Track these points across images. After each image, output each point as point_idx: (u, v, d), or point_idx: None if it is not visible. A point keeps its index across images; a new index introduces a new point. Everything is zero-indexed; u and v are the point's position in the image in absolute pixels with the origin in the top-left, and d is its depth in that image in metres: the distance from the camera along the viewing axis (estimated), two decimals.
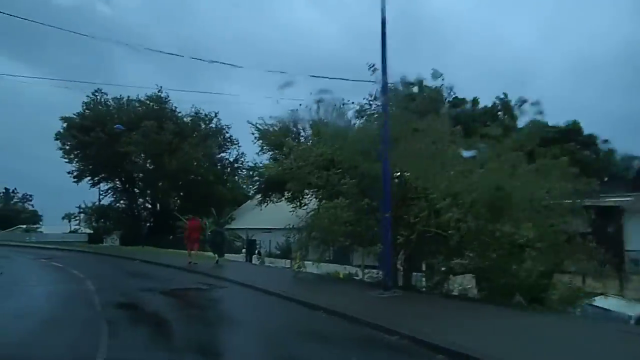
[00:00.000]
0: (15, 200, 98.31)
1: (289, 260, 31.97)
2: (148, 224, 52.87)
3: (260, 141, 36.36)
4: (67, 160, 49.10)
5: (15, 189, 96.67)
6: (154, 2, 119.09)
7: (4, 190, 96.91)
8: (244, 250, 36.94)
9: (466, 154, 13.70)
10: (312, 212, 18.45)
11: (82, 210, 68.22)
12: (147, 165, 50.39)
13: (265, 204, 40.11)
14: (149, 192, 53.15)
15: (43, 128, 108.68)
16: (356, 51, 66.62)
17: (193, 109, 50.87)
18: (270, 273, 21.99)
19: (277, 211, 41.76)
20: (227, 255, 36.63)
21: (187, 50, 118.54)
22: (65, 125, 48.90)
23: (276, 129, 35.58)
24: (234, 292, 14.70)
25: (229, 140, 51.28)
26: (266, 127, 36.35)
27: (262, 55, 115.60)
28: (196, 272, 19.70)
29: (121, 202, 54.17)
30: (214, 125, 51.33)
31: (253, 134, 36.72)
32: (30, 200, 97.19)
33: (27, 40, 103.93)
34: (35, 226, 67.22)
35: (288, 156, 31.14)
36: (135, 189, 52.11)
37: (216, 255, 22.75)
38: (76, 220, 74.23)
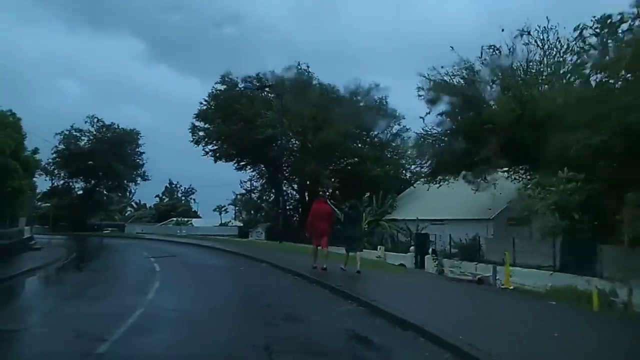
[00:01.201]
0: (178, 194, 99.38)
1: (481, 265, 21.66)
2: (295, 217, 45.87)
3: (432, 93, 26.15)
4: (204, 153, 44.17)
5: (177, 182, 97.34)
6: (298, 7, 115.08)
7: (167, 185, 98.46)
8: (411, 248, 27.29)
9: None
10: None
11: (232, 201, 64.56)
12: (293, 146, 43.28)
13: (438, 184, 30.01)
14: (295, 179, 46.10)
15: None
16: None
17: (353, 84, 42.42)
18: (477, 296, 12.08)
19: (452, 197, 31.62)
20: (389, 255, 27.47)
21: (334, 48, 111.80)
22: (199, 114, 43.86)
23: (460, 80, 25.24)
24: None
25: (389, 114, 41.86)
26: (442, 78, 26.06)
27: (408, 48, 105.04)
28: (337, 289, 10.55)
29: (264, 189, 48.18)
30: (374, 100, 42.18)
31: (420, 89, 26.65)
32: (193, 194, 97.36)
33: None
34: (185, 219, 65.00)
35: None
36: (280, 175, 45.40)
37: (352, 253, 13.52)
38: (226, 212, 70.99)
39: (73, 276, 16.78)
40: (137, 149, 56.87)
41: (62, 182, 56.59)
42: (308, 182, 43.88)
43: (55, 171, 55.31)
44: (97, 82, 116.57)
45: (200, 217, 77.37)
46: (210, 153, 43.87)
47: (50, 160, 53.98)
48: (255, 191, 51.00)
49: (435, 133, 27.37)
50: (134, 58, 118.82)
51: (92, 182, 57.78)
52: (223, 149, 43.71)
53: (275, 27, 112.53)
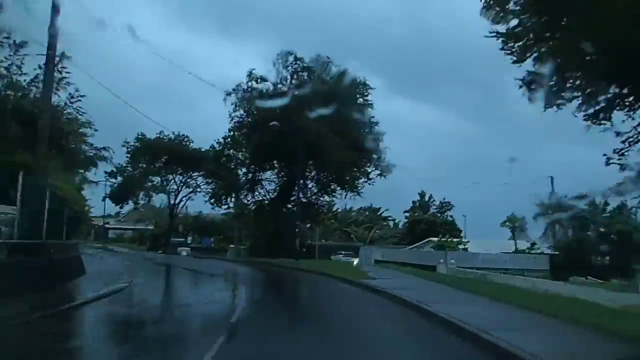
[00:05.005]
0: (432, 209, 76.89)
1: None
2: None
3: None
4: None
5: (430, 195, 75.47)
6: None
7: (418, 197, 76.83)
8: None
9: None
10: None
11: (541, 210, 34.90)
12: None
13: None
14: None
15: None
16: None
17: None
18: None
19: None
20: None
21: None
22: None
23: None
24: None
25: None
26: None
27: None
28: None
29: None
30: None
31: None
32: (449, 209, 73.89)
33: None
34: (454, 240, 37.43)
35: None
36: None
37: None
38: (522, 230, 41.15)
39: None
40: (365, 119, 32.39)
41: (245, 171, 34.79)
42: None
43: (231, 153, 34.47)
44: None
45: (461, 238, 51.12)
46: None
47: (226, 136, 33.79)
48: None
49: None
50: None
51: (289, 170, 33.24)
52: None
53: None
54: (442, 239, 35.66)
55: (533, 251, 34.94)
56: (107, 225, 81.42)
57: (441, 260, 30.51)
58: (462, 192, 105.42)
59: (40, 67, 28.86)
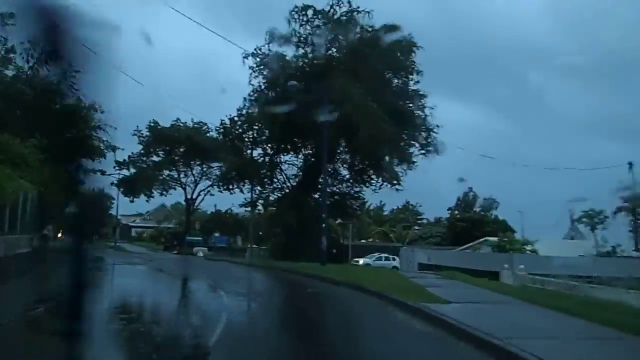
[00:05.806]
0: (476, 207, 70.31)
1: None
2: None
3: None
4: None
5: (474, 192, 69.37)
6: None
7: (462, 194, 70.71)
8: None
9: None
10: None
11: (628, 200, 28.24)
12: None
13: None
14: None
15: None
16: None
17: None
18: None
19: None
20: None
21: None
22: None
23: None
24: None
25: None
26: None
27: None
28: None
29: None
30: None
31: None
32: (495, 208, 67.43)
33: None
34: (517, 239, 30.35)
35: None
36: None
37: None
38: (600, 226, 33.81)
39: None
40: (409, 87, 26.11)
41: (262, 152, 29.02)
42: None
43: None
44: None
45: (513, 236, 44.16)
46: None
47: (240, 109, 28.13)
48: None
49: None
50: None
51: (315, 150, 26.83)
52: None
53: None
54: (504, 239, 29.05)
55: (617, 253, 28.25)
56: (130, 224, 78.15)
57: (506, 266, 24.16)
58: (505, 190, 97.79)
59: (29, 42, 24.77)
